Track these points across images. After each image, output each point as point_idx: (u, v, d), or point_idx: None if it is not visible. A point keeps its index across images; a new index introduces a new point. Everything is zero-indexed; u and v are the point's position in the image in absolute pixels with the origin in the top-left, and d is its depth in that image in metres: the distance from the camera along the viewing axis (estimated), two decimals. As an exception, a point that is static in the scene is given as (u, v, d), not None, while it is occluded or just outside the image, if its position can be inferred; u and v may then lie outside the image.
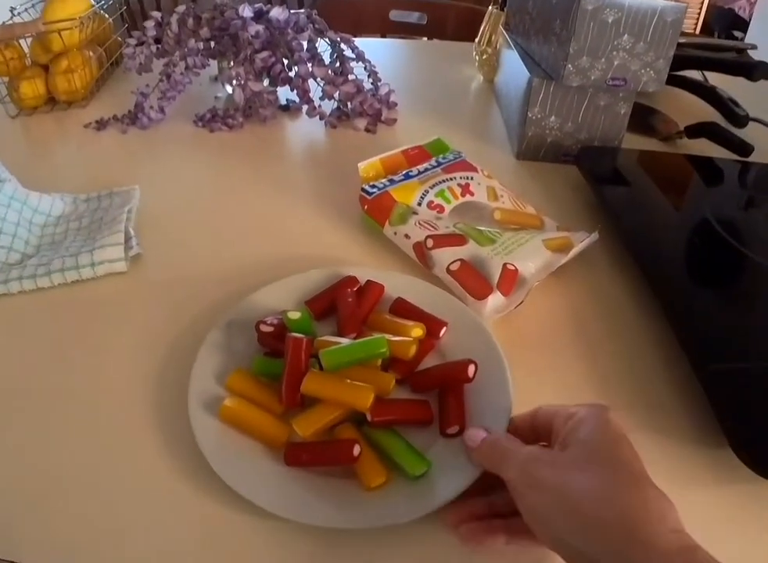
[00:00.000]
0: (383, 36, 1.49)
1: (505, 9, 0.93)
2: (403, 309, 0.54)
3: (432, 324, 0.51)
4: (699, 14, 2.45)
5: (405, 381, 0.48)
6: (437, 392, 0.47)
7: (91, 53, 0.96)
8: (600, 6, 0.66)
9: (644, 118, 0.89)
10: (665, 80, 0.72)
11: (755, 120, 0.88)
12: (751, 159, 0.80)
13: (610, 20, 0.67)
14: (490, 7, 0.98)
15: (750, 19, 2.66)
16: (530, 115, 0.74)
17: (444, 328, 0.52)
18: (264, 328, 0.49)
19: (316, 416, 0.44)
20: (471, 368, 0.46)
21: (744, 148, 0.80)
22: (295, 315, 0.48)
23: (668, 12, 0.67)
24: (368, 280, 0.56)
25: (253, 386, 0.47)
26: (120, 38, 1.09)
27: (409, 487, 0.41)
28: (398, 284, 0.56)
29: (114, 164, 0.80)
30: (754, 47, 1.01)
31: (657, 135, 0.89)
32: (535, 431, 0.40)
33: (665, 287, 0.53)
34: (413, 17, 1.41)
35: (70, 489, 0.41)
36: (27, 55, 0.94)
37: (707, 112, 0.91)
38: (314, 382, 0.43)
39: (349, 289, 0.54)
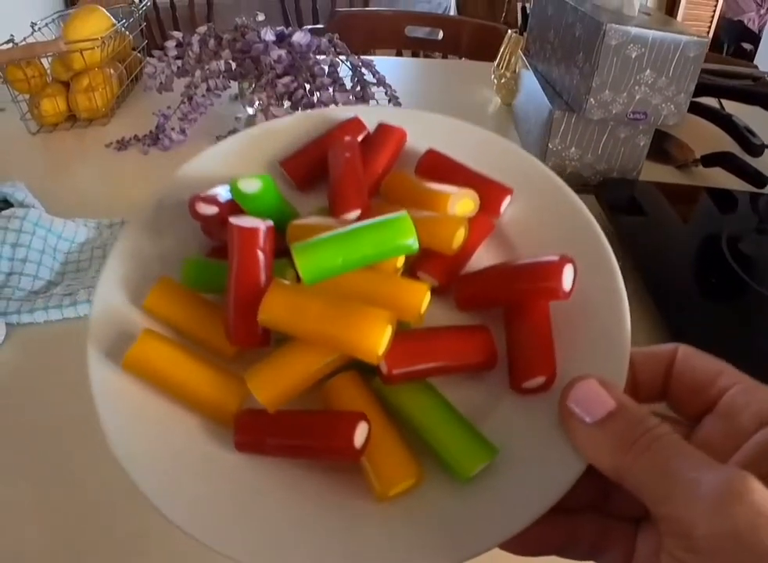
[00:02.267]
0: (398, 51, 1.49)
1: (525, 35, 0.93)
2: (439, 168, 0.34)
3: (488, 192, 0.32)
4: (710, 27, 2.46)
5: (445, 292, 0.30)
6: (500, 314, 0.30)
7: (111, 71, 0.97)
8: (624, 42, 0.67)
9: (658, 143, 0.90)
10: (684, 113, 0.72)
11: (770, 148, 0.89)
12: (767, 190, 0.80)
13: (633, 55, 0.67)
14: (509, 31, 0.98)
15: (759, 31, 2.67)
16: (551, 146, 0.75)
17: (507, 198, 0.32)
18: (204, 208, 0.30)
19: (288, 369, 0.26)
20: (566, 272, 0.27)
21: (759, 180, 0.81)
22: (250, 184, 0.29)
23: (690, 48, 0.68)
24: (380, 123, 0.35)
25: (185, 310, 0.29)
26: (139, 54, 1.10)
27: (456, 494, 0.25)
28: (429, 130, 0.35)
29: (136, 186, 0.81)
30: (770, 75, 1.01)
31: (672, 162, 0.89)
32: (672, 387, 0.26)
33: (682, 328, 0.54)
34: (428, 33, 1.41)
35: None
36: (48, 72, 0.95)
37: (722, 139, 0.92)
38: (280, 305, 0.25)
39: (348, 138, 0.34)
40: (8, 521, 0.41)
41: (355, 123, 0.36)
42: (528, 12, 0.92)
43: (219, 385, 0.27)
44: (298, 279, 0.27)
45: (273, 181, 0.31)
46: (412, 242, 0.27)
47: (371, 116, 0.36)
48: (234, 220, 0.28)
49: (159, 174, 0.83)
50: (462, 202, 0.31)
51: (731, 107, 0.96)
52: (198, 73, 0.86)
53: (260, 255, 0.27)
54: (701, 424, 0.25)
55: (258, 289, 0.27)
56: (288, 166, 0.35)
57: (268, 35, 0.82)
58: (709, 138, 0.94)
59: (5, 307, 0.58)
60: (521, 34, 0.96)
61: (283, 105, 0.83)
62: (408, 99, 0.90)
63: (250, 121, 0.92)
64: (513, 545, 0.25)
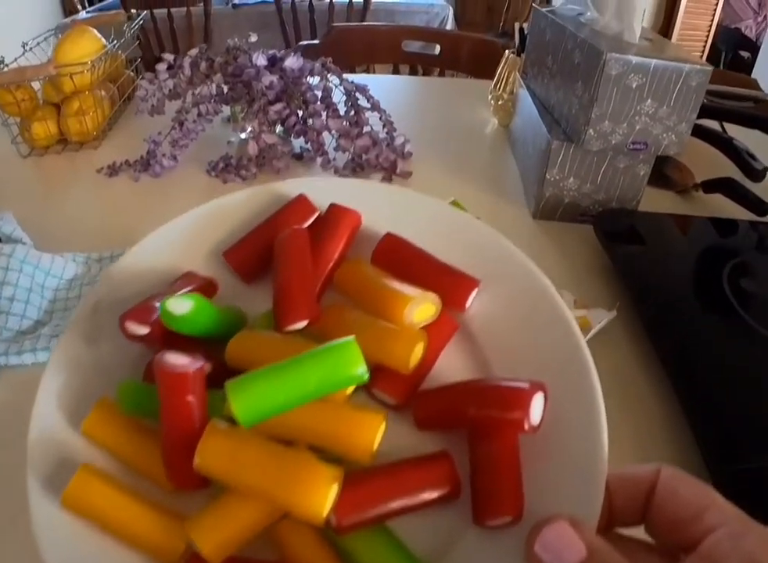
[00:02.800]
0: (395, 66, 1.48)
1: (522, 56, 0.92)
2: (398, 256, 0.31)
3: (452, 285, 0.29)
4: (708, 36, 2.45)
5: (403, 408, 0.28)
6: (462, 434, 0.27)
7: (103, 93, 0.95)
8: (624, 71, 0.65)
9: (658, 167, 0.88)
10: (686, 142, 0.71)
11: (773, 172, 0.87)
12: (768, 218, 0.79)
13: (634, 85, 0.66)
14: (507, 52, 0.97)
15: (756, 39, 2.66)
16: (548, 176, 0.74)
17: (474, 292, 0.29)
18: (134, 329, 0.28)
19: (231, 518, 0.24)
20: (535, 403, 0.25)
21: (761, 207, 0.79)
22: (180, 305, 0.27)
23: (693, 76, 0.66)
24: (332, 204, 0.32)
25: (123, 438, 0.28)
26: (132, 73, 1.08)
27: None
28: (387, 208, 0.32)
29: (126, 213, 0.79)
30: (772, 96, 1.00)
31: (672, 187, 0.88)
32: (652, 516, 0.24)
33: (680, 372, 0.52)
34: (424, 46, 1.40)
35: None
36: (39, 95, 0.93)
37: (723, 162, 0.90)
38: (217, 453, 0.24)
39: (295, 228, 0.31)
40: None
41: (303, 204, 0.33)
42: (525, 33, 0.91)
43: (162, 526, 0.25)
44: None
45: (203, 299, 0.28)
46: (361, 371, 0.24)
47: (322, 192, 0.33)
48: (161, 359, 0.25)
49: (149, 202, 0.82)
50: (421, 309, 0.28)
51: (732, 130, 0.94)
52: (189, 96, 0.85)
53: (191, 399, 0.25)
54: (682, 562, 0.23)
55: (192, 433, 0.25)
56: (233, 259, 0.32)
57: (260, 60, 0.81)
58: (710, 161, 0.92)
59: (-9, 349, 0.56)
60: (518, 54, 0.95)
61: (275, 130, 0.81)
62: (404, 120, 0.89)
63: (242, 146, 0.90)
64: None
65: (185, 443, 0.24)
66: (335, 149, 0.82)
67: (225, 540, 0.24)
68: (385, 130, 0.83)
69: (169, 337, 0.28)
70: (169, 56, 0.90)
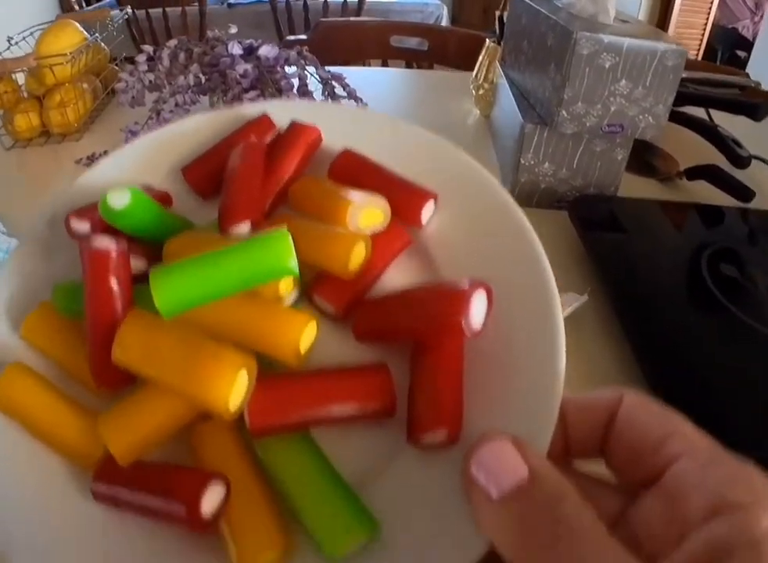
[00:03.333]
0: (384, 61, 1.48)
1: (502, 44, 0.91)
2: (355, 170, 0.30)
3: (407, 198, 0.28)
4: (703, 35, 2.44)
5: (342, 319, 0.27)
6: (405, 349, 0.25)
7: (85, 85, 0.95)
8: (596, 51, 0.64)
9: (641, 155, 0.87)
10: (664, 126, 0.70)
11: (757, 158, 0.86)
12: (753, 204, 0.77)
13: (607, 65, 0.65)
14: (487, 40, 0.96)
15: (753, 39, 2.65)
16: (523, 161, 0.73)
17: (428, 205, 0.28)
18: (77, 224, 0.28)
19: (143, 415, 0.23)
20: (474, 304, 0.23)
21: (745, 194, 0.78)
22: (119, 198, 0.26)
23: (669, 57, 0.65)
24: (293, 121, 0.31)
25: (59, 341, 0.27)
26: (116, 67, 1.08)
27: None
28: (350, 127, 0.32)
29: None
30: (758, 84, 0.99)
31: (655, 175, 0.87)
32: (611, 446, 0.22)
33: (650, 356, 0.51)
34: (414, 43, 1.40)
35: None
36: (22, 88, 0.94)
37: (708, 150, 0.89)
38: (134, 342, 0.23)
39: (252, 139, 0.31)
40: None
41: (263, 122, 0.32)
42: (505, 21, 0.90)
43: (84, 427, 0.24)
44: None
45: (142, 193, 0.27)
46: (291, 264, 0.23)
47: (285, 112, 0.32)
48: (88, 239, 0.24)
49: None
50: (366, 213, 0.27)
51: (718, 117, 0.93)
52: (167, 87, 0.85)
53: (113, 282, 0.24)
54: (641, 499, 0.20)
55: (113, 321, 0.23)
56: (190, 174, 0.32)
57: (235, 49, 0.81)
58: (694, 148, 0.91)
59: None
60: (499, 43, 0.94)
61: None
62: (387, 111, 0.87)
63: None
64: None
65: (108, 334, 0.23)
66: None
67: (134, 440, 0.23)
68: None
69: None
70: (148, 48, 0.90)
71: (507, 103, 0.84)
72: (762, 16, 2.51)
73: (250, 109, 0.33)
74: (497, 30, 0.94)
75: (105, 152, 0.87)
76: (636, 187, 0.81)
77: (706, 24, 2.42)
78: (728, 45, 2.61)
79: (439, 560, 0.20)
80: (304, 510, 0.22)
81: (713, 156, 0.86)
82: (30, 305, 0.28)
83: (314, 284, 0.27)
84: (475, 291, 0.23)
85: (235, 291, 0.23)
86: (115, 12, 1.12)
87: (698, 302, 0.58)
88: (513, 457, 0.18)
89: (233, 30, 0.90)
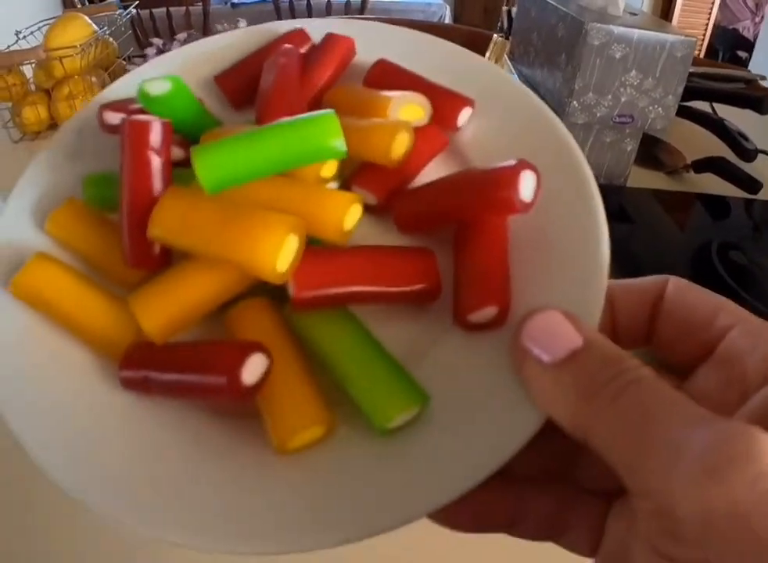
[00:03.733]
0: (388, 58, 1.48)
1: (510, 38, 0.92)
2: (391, 79, 0.29)
3: (444, 102, 0.28)
4: (704, 35, 2.46)
5: (385, 213, 0.26)
6: (449, 237, 0.25)
7: (93, 78, 0.95)
8: (607, 41, 0.65)
9: (648, 149, 0.88)
10: (673, 117, 0.71)
11: (763, 152, 0.87)
12: (760, 195, 0.78)
13: (617, 56, 0.66)
14: (495, 35, 0.97)
15: (753, 39, 2.67)
16: (534, 151, 0.73)
17: (466, 110, 0.28)
18: (111, 117, 0.27)
19: (178, 291, 0.22)
20: (524, 179, 0.22)
21: (752, 185, 0.79)
22: (158, 85, 0.25)
23: (677, 47, 0.66)
24: (328, 33, 0.31)
25: (88, 234, 0.26)
26: (124, 62, 1.09)
27: (375, 450, 0.20)
28: (385, 42, 0.31)
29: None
30: (763, 78, 1.00)
31: (662, 168, 0.87)
32: (660, 329, 0.21)
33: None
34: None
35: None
36: (30, 81, 0.94)
37: (714, 144, 0.90)
38: (173, 215, 0.22)
39: (287, 46, 0.30)
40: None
41: (299, 35, 0.32)
42: (513, 15, 0.91)
43: (112, 315, 0.23)
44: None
45: (183, 81, 0.26)
46: (338, 143, 0.22)
47: (320, 29, 0.32)
48: (129, 117, 0.24)
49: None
50: (407, 108, 0.27)
51: (723, 111, 0.94)
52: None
53: (153, 156, 0.23)
54: (695, 374, 0.20)
55: (152, 198, 0.22)
56: (223, 81, 0.31)
57: (248, 40, 0.81)
58: (701, 142, 0.92)
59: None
60: (506, 38, 0.95)
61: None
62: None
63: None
64: (446, 517, 0.20)
65: (144, 211, 0.22)
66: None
67: (169, 317, 0.22)
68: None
69: None
70: (158, 41, 0.91)
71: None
72: (762, 17, 2.53)
73: (286, 25, 0.33)
74: (505, 25, 0.95)
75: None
76: (644, 180, 0.82)
77: (707, 25, 2.44)
78: (728, 46, 2.63)
79: (492, 433, 0.19)
80: (353, 381, 0.21)
81: (719, 150, 0.86)
82: (55, 205, 0.27)
83: (354, 176, 0.27)
84: (525, 168, 0.22)
85: (280, 169, 0.23)
86: (120, 11, 1.12)
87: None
88: (565, 325, 0.18)
89: (242, 24, 0.90)
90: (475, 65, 0.30)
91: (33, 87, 0.95)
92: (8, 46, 0.97)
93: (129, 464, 0.21)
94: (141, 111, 0.26)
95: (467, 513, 0.20)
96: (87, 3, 2.31)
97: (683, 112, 0.96)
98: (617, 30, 0.64)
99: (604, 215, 0.23)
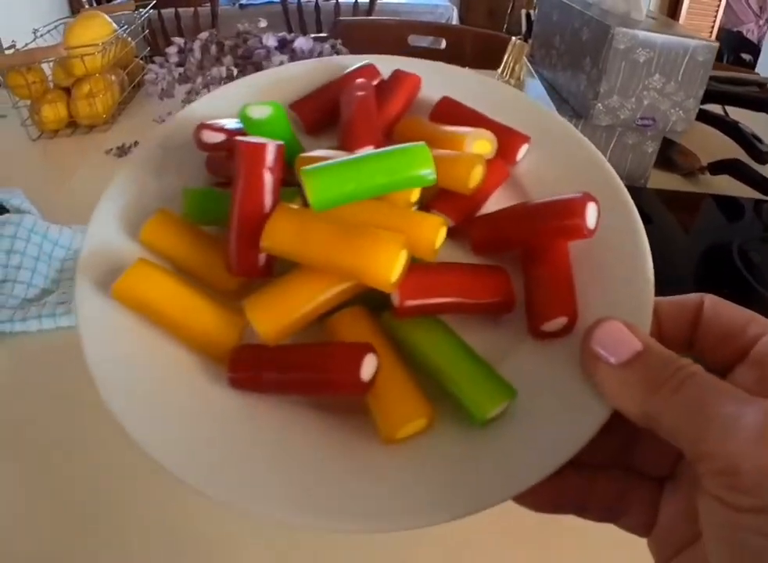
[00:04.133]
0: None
1: (529, 41, 0.92)
2: (455, 114, 0.32)
3: (504, 138, 0.31)
4: (710, 37, 2.47)
5: (459, 234, 0.29)
6: (517, 261, 0.28)
7: (113, 77, 0.96)
8: (632, 46, 0.66)
9: (662, 151, 0.89)
10: (693, 119, 0.71)
11: (777, 155, 0.88)
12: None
13: (641, 60, 0.67)
14: (513, 38, 0.98)
15: (758, 42, 2.68)
16: (558, 152, 0.74)
17: (525, 146, 0.31)
18: (209, 136, 0.29)
19: (290, 298, 0.24)
20: (590, 209, 0.25)
21: (767, 187, 0.80)
22: (260, 110, 0.28)
23: (699, 52, 0.67)
24: (396, 69, 0.34)
25: (184, 242, 0.27)
26: (141, 61, 1.09)
27: (468, 441, 0.23)
28: (445, 81, 0.35)
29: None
30: (777, 82, 1.01)
31: (677, 170, 0.88)
32: (700, 337, 0.24)
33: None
34: (432, 42, 1.41)
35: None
36: (50, 78, 0.94)
37: (729, 147, 0.91)
38: (285, 229, 0.24)
39: (362, 80, 0.33)
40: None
41: (369, 69, 0.35)
42: (532, 18, 0.92)
43: (216, 318, 0.25)
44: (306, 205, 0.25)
45: (282, 108, 0.29)
46: (429, 172, 0.25)
47: (385, 65, 0.35)
48: (241, 138, 0.26)
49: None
50: (479, 143, 0.30)
51: (737, 114, 0.95)
52: (199, 79, 0.85)
53: (267, 176, 0.25)
54: (732, 372, 0.23)
55: (263, 213, 0.25)
56: (299, 108, 0.34)
57: (270, 41, 0.82)
58: (715, 145, 0.93)
59: (-3, 315, 0.56)
60: (525, 40, 0.96)
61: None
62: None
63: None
64: (528, 499, 0.23)
65: (255, 224, 0.24)
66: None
67: (282, 321, 0.24)
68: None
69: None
70: (179, 40, 0.91)
71: (538, 97, 0.85)
72: (767, 20, 2.54)
73: (353, 59, 0.36)
74: (524, 27, 0.95)
75: (136, 143, 0.88)
76: (660, 182, 0.83)
77: (713, 27, 2.45)
78: (733, 48, 2.65)
79: (567, 425, 0.22)
80: (452, 379, 0.24)
81: (734, 153, 0.87)
82: (140, 215, 0.28)
83: (434, 201, 0.30)
84: (590, 200, 0.26)
85: (378, 193, 0.26)
86: (138, 10, 1.13)
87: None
88: (627, 333, 0.22)
89: (263, 24, 0.91)
90: (526, 105, 0.34)
91: (51, 84, 0.95)
92: (26, 44, 0.97)
93: (252, 457, 0.23)
94: (241, 132, 0.28)
95: (547, 496, 0.23)
96: (94, 3, 2.31)
97: (698, 115, 0.97)
98: (642, 34, 0.65)
99: (647, 240, 0.27)
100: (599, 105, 0.68)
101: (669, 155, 0.90)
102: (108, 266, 0.27)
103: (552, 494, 0.23)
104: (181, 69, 0.90)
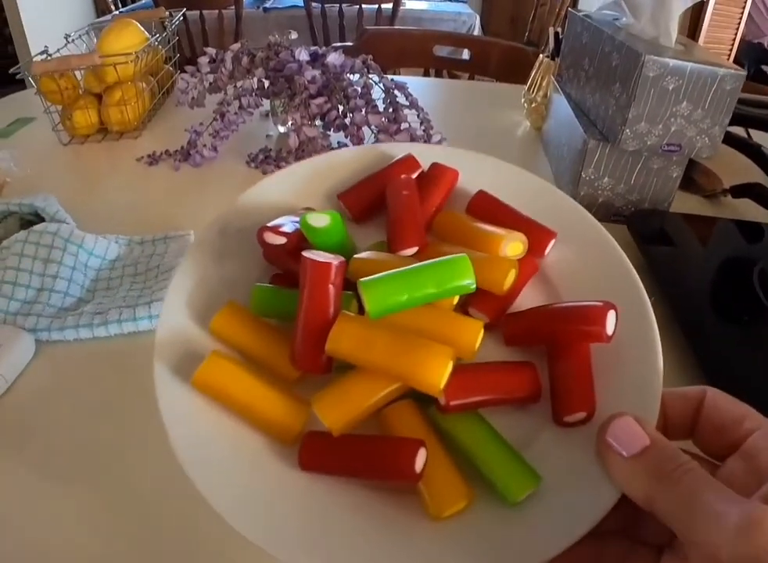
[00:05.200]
0: (426, 70, 1.50)
1: (557, 60, 0.93)
2: (489, 209, 0.36)
3: (534, 234, 0.34)
4: (731, 50, 2.46)
5: (493, 328, 0.33)
6: (543, 350, 0.32)
7: (144, 85, 0.97)
8: (662, 73, 0.66)
9: (684, 170, 0.89)
10: (719, 146, 0.72)
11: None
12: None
13: (671, 88, 0.67)
14: (541, 55, 0.98)
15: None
16: (584, 175, 0.75)
17: (552, 242, 0.35)
18: (272, 238, 0.32)
19: (352, 396, 0.28)
20: (609, 318, 0.29)
21: (792, 213, 0.80)
22: (319, 219, 0.31)
23: (728, 80, 0.68)
24: (434, 163, 0.38)
25: (252, 333, 0.31)
26: (171, 68, 1.11)
27: (501, 518, 0.27)
28: (478, 171, 0.38)
29: (166, 202, 0.81)
30: (801, 106, 1.01)
31: (700, 191, 0.89)
32: (700, 427, 0.28)
33: (711, 361, 0.53)
34: (456, 53, 1.42)
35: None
36: (81, 84, 0.96)
37: (750, 169, 0.91)
38: (348, 336, 0.28)
39: (405, 176, 0.36)
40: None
41: (410, 161, 0.38)
42: (560, 37, 0.92)
43: (284, 406, 0.29)
44: (360, 311, 0.29)
45: (341, 217, 0.32)
46: (470, 282, 0.29)
47: (423, 154, 0.39)
48: (307, 254, 0.29)
49: (188, 191, 0.84)
50: (513, 245, 0.34)
51: (760, 137, 0.95)
52: (230, 90, 0.87)
53: (331, 289, 0.29)
54: (725, 462, 0.27)
55: (326, 320, 0.29)
56: (347, 199, 0.37)
57: (302, 55, 0.83)
58: (737, 167, 0.93)
59: (34, 324, 0.58)
60: (552, 58, 0.97)
61: (315, 124, 0.83)
62: (437, 121, 0.90)
63: (282, 139, 0.92)
64: None
65: (319, 329, 0.28)
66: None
67: (345, 415, 0.28)
68: (423, 127, 0.85)
69: (296, 253, 0.31)
70: (211, 50, 0.93)
71: (564, 117, 0.86)
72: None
73: (395, 148, 0.39)
74: (552, 46, 0.96)
75: (167, 152, 0.90)
76: (682, 203, 0.83)
77: (734, 39, 2.44)
78: (754, 60, 2.63)
79: (584, 505, 0.26)
80: (488, 468, 0.28)
81: (755, 176, 0.88)
82: (206, 302, 0.32)
83: (471, 300, 0.33)
84: (610, 309, 0.30)
85: (426, 301, 0.29)
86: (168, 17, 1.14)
87: (751, 311, 0.60)
88: (637, 428, 0.25)
89: (293, 35, 0.92)
90: (553, 196, 0.37)
91: (82, 90, 0.96)
92: (58, 49, 0.99)
93: (314, 527, 0.27)
94: (298, 234, 0.32)
95: (563, 561, 0.27)
96: (119, 5, 2.33)
97: (722, 137, 0.97)
98: (672, 62, 0.65)
99: (659, 339, 0.30)
100: (627, 130, 0.69)
101: (691, 175, 0.90)
102: (181, 352, 0.30)
103: (567, 559, 0.27)
104: (211, 79, 0.91)
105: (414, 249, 0.33)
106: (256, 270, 0.34)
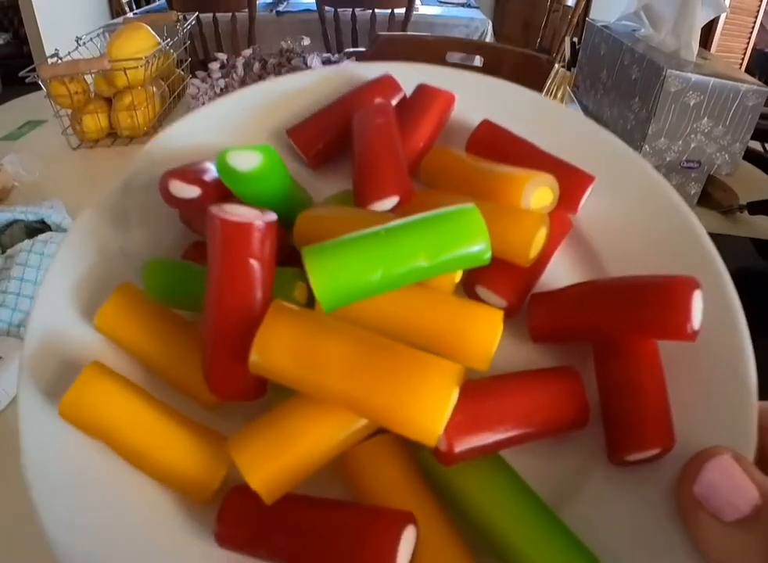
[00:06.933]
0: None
1: (573, 70, 0.92)
2: (498, 145, 0.24)
3: (564, 180, 0.23)
4: (743, 59, 2.44)
5: (513, 314, 0.22)
6: (581, 351, 0.21)
7: (154, 89, 0.96)
8: (683, 89, 0.65)
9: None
10: (738, 163, 0.71)
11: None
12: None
13: (692, 103, 0.66)
14: (556, 65, 0.97)
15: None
16: (600, 190, 0.73)
17: (589, 189, 0.23)
18: (180, 189, 0.21)
19: (291, 440, 0.17)
20: (696, 303, 0.19)
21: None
22: (245, 158, 0.20)
23: (750, 97, 0.66)
24: (421, 84, 0.26)
25: (149, 334, 0.20)
26: (182, 72, 1.10)
27: None
28: (481, 94, 0.27)
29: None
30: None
31: (716, 206, 0.87)
32: None
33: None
34: (469, 60, 1.40)
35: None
36: (91, 88, 0.95)
37: (765, 183, 0.90)
38: (284, 343, 0.17)
39: (379, 100, 0.25)
40: None
41: (387, 82, 0.26)
42: (577, 47, 0.91)
43: (195, 451, 0.18)
44: (310, 297, 0.18)
45: (277, 154, 0.21)
46: (482, 248, 0.18)
47: (408, 76, 0.26)
48: (216, 209, 0.18)
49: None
50: (540, 191, 0.22)
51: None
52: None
53: (254, 265, 0.17)
54: None
55: (249, 316, 0.17)
56: (299, 136, 0.25)
57: (315, 62, 0.82)
58: (753, 181, 0.92)
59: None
60: (568, 68, 0.95)
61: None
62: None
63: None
64: None
65: (239, 332, 0.17)
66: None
67: (282, 470, 0.17)
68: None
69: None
70: (222, 56, 0.92)
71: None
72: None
73: (366, 68, 0.27)
74: (568, 56, 0.95)
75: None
76: (700, 219, 0.82)
77: (746, 49, 2.42)
78: (765, 69, 2.61)
79: None
80: (520, 549, 0.18)
81: (769, 189, 0.86)
82: (99, 286, 0.22)
83: (480, 274, 0.21)
84: (695, 287, 0.19)
85: (412, 280, 0.18)
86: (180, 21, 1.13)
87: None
88: (740, 475, 0.16)
89: (306, 41, 0.91)
90: (585, 130, 0.26)
91: (92, 94, 0.95)
92: (69, 52, 0.98)
93: None
94: (220, 182, 0.21)
95: None
96: (134, 6, 2.33)
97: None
98: (694, 77, 0.64)
99: (748, 333, 0.20)
100: (646, 146, 0.68)
101: (708, 190, 0.89)
102: (58, 363, 0.20)
103: None
104: (222, 84, 0.90)
105: (394, 200, 0.22)
106: (171, 238, 0.23)
